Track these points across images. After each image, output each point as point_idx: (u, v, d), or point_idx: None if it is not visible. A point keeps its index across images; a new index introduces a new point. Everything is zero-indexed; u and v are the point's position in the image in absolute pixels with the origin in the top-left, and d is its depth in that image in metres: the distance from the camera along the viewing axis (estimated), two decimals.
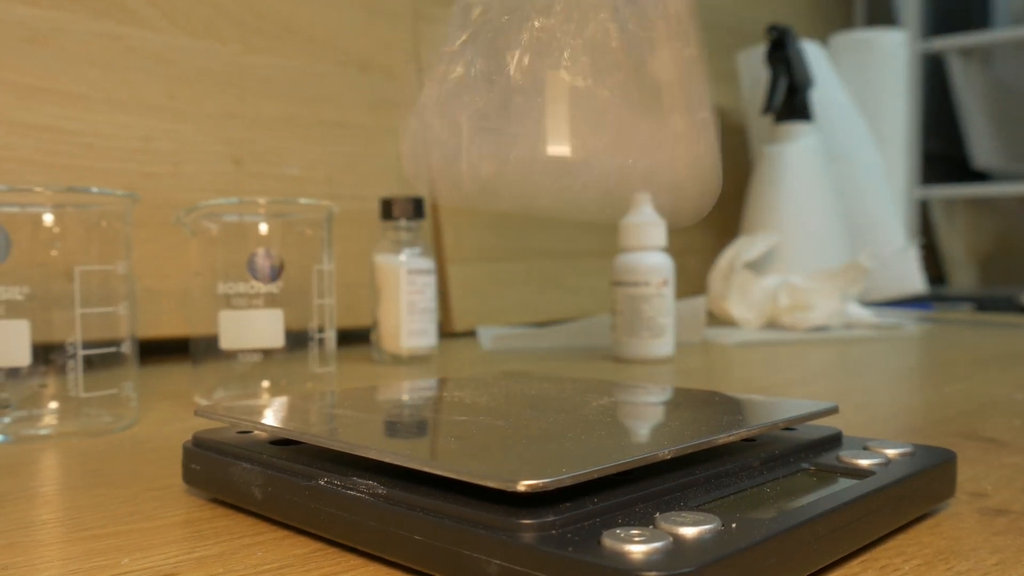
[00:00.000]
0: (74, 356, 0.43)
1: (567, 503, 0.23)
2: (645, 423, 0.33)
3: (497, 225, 1.05)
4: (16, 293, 0.42)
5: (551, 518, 0.22)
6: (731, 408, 0.35)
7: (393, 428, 0.31)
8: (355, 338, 0.85)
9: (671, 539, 0.21)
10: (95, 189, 0.45)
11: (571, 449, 0.26)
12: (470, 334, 0.96)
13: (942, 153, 1.83)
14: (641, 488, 0.25)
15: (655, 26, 0.32)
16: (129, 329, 0.46)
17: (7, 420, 0.43)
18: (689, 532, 0.21)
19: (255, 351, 0.51)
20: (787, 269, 1.14)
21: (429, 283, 0.74)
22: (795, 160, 1.24)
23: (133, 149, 0.75)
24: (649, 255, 0.75)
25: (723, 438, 0.28)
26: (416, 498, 0.24)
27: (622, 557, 0.20)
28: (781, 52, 1.24)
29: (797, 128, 1.25)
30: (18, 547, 0.27)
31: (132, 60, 0.75)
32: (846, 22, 1.86)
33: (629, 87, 0.31)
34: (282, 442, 0.31)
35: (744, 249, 1.05)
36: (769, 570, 0.22)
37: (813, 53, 1.32)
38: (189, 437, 0.33)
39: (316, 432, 0.30)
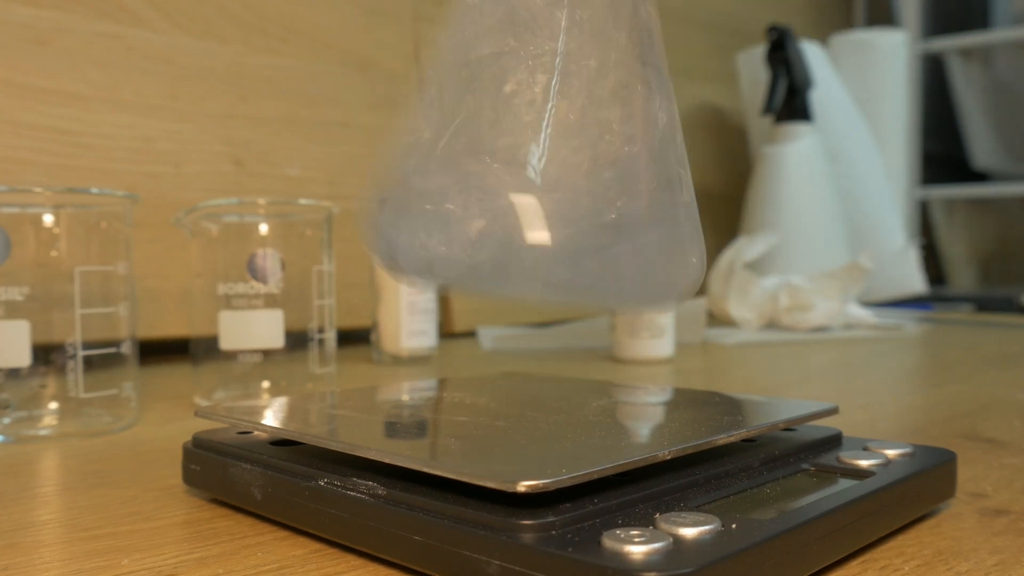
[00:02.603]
0: (74, 356, 0.43)
1: (567, 503, 0.23)
2: (645, 424, 0.33)
3: None
4: (16, 294, 0.42)
5: (551, 518, 0.22)
6: (731, 408, 0.35)
7: (393, 429, 0.31)
8: (355, 338, 0.85)
9: (671, 539, 0.21)
10: (95, 190, 0.45)
11: (571, 450, 0.26)
12: (470, 334, 0.96)
13: (942, 153, 1.83)
14: (641, 488, 0.25)
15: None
16: (129, 329, 0.46)
17: (7, 420, 0.43)
18: (689, 533, 0.21)
19: (255, 352, 0.51)
20: (787, 269, 1.14)
21: None
22: (795, 160, 1.24)
23: (134, 149, 0.75)
24: None
25: (723, 438, 0.28)
26: (416, 498, 0.24)
27: (622, 557, 0.20)
28: (781, 53, 1.24)
29: (797, 128, 1.25)
30: (18, 547, 0.27)
31: (133, 60, 0.75)
32: (846, 23, 1.86)
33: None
34: (282, 443, 0.31)
35: (744, 249, 1.05)
36: (769, 570, 0.22)
37: (813, 53, 1.32)
38: (189, 438, 0.33)
39: (316, 433, 0.30)
